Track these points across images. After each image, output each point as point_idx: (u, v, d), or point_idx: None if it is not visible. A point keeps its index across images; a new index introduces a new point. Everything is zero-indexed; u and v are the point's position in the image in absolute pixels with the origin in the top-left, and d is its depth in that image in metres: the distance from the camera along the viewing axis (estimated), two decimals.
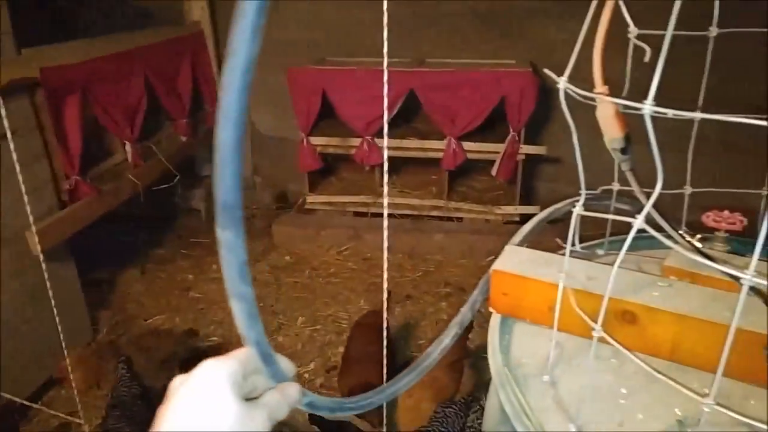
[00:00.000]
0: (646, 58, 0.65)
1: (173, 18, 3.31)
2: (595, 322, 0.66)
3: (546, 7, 3.19)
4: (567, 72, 0.63)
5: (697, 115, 0.49)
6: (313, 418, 1.75)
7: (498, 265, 0.81)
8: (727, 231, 0.90)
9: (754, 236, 1.00)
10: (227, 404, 0.47)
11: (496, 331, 0.80)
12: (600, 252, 0.97)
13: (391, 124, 3.16)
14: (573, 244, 0.92)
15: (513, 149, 3.06)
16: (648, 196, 0.69)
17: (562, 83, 0.63)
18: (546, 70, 0.68)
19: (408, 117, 3.38)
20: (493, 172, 3.16)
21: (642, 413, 0.66)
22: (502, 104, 2.99)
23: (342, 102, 3.09)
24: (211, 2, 3.38)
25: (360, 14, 3.26)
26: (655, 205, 0.75)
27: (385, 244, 1.14)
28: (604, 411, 0.67)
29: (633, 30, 0.78)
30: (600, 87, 0.76)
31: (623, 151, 0.80)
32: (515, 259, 0.82)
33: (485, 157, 3.20)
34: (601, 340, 0.60)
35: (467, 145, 3.13)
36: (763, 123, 0.43)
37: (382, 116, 3.07)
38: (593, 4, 0.70)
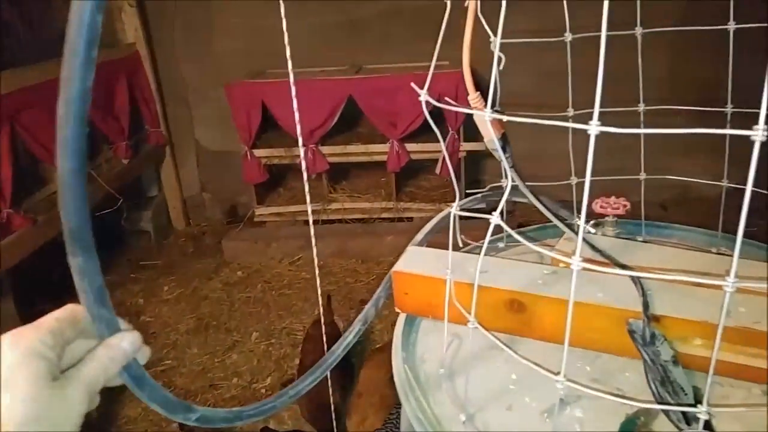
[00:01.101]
0: (501, 66, 0.69)
1: (107, 41, 3.26)
2: (481, 312, 0.70)
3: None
4: (426, 85, 0.66)
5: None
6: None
7: (399, 265, 0.84)
8: (614, 215, 0.96)
9: (639, 218, 1.06)
10: (24, 396, 0.41)
11: (399, 330, 0.83)
12: (501, 245, 1.02)
13: (335, 130, 3.19)
14: (501, 238, 0.97)
15: (453, 148, 3.13)
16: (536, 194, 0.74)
17: (424, 95, 0.66)
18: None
19: (351, 122, 3.41)
20: (437, 170, 3.23)
21: (528, 396, 0.70)
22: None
23: (282, 113, 3.10)
24: (145, 24, 3.35)
25: (297, 25, 3.28)
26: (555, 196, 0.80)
27: (315, 253, 1.17)
28: (495, 397, 0.71)
29: (494, 39, 0.82)
30: (472, 94, 0.81)
31: (503, 149, 0.84)
32: (415, 259, 0.85)
33: (429, 157, 3.27)
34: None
35: (410, 147, 3.18)
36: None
37: (323, 124, 3.10)
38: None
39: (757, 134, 0.38)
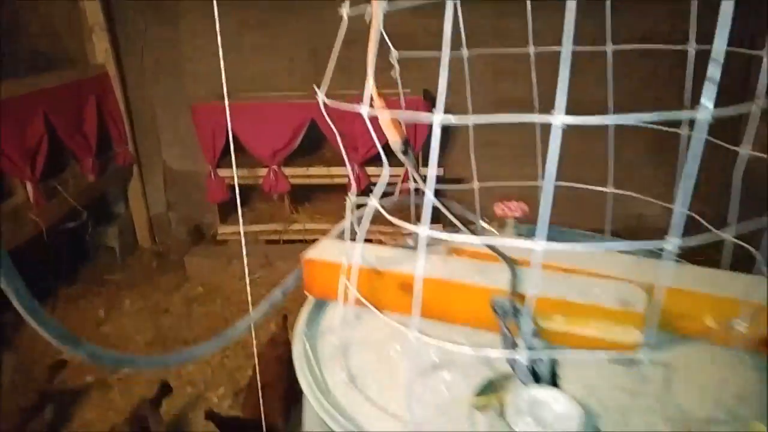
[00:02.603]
0: (394, 73, 0.81)
1: (77, 61, 3.36)
2: (378, 295, 0.80)
3: (437, 42, 3.45)
4: (324, 88, 0.77)
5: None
6: (210, 416, 1.83)
7: (308, 254, 0.94)
8: (514, 218, 1.07)
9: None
10: None
11: (306, 311, 0.92)
12: (410, 242, 1.13)
13: (297, 152, 3.30)
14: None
15: (406, 174, 3.26)
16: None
17: (321, 95, 0.77)
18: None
19: (317, 145, 3.53)
20: (396, 193, 3.34)
21: (407, 362, 0.80)
22: None
23: (246, 134, 3.21)
24: (115, 45, 3.45)
25: (264, 50, 3.43)
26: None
27: (246, 270, 1.26)
28: (378, 364, 0.80)
29: (394, 53, 0.95)
30: (376, 98, 0.92)
31: (404, 152, 0.96)
32: (324, 249, 0.95)
33: (390, 180, 3.38)
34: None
35: (370, 170, 3.30)
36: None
37: (286, 146, 3.21)
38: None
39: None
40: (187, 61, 3.56)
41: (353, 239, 0.88)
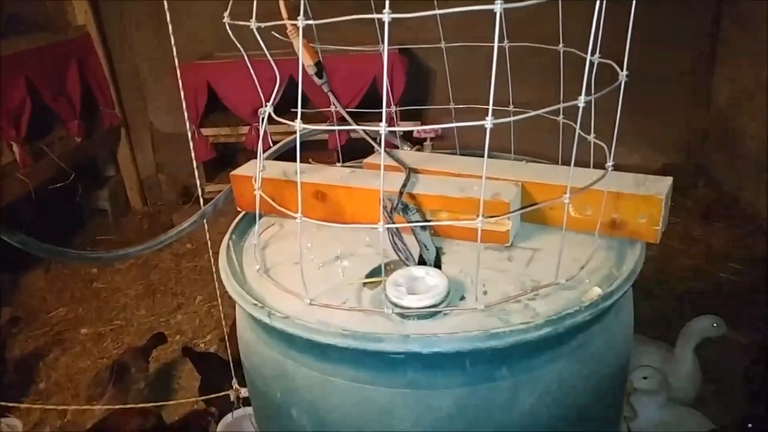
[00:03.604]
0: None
1: (57, 23, 3.42)
2: (295, 202, 0.90)
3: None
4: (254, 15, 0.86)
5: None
6: (186, 351, 1.98)
7: (236, 171, 1.05)
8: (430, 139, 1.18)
9: None
10: None
11: (236, 222, 1.04)
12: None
13: (278, 109, 3.37)
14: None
15: (390, 125, 3.34)
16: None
17: (254, 24, 0.86)
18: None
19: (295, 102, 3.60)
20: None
21: (314, 255, 0.91)
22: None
23: (227, 93, 3.29)
24: (95, 6, 3.51)
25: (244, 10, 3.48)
26: None
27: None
28: (291, 256, 0.91)
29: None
30: (288, 26, 1.02)
31: (318, 75, 1.06)
32: (251, 167, 1.06)
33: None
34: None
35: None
36: None
37: (266, 103, 3.29)
38: None
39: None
40: (168, 22, 3.61)
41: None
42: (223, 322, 1.74)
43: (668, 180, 0.84)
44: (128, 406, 1.78)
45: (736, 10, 3.30)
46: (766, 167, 3.04)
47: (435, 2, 1.17)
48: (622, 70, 0.72)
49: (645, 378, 1.59)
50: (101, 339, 2.72)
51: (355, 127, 1.03)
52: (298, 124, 0.71)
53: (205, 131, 3.43)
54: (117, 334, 2.75)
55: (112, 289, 3.09)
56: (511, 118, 0.66)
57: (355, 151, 1.40)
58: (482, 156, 1.16)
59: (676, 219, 3.12)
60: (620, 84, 0.71)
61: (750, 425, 1.52)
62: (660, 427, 1.59)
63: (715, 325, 1.73)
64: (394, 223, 0.87)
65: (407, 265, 0.83)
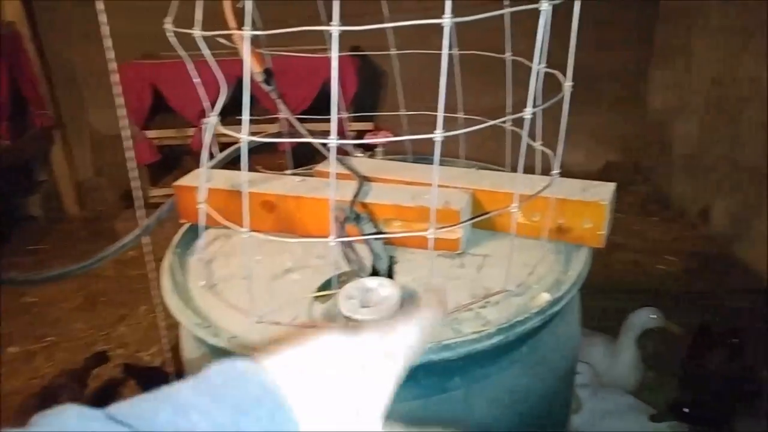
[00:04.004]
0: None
1: None
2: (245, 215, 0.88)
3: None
4: (171, 17, 0.83)
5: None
6: (127, 368, 1.91)
7: (180, 181, 1.01)
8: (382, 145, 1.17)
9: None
10: None
11: (179, 234, 1.00)
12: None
13: (227, 109, 3.29)
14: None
15: (342, 127, 3.32)
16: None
17: (169, 26, 0.83)
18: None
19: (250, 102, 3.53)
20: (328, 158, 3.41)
21: (263, 269, 0.89)
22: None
23: (172, 94, 3.19)
24: (27, 3, 3.32)
25: (190, 10, 3.37)
26: None
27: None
28: (239, 270, 0.89)
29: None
30: (235, 33, 0.99)
31: (267, 82, 1.03)
32: (195, 177, 1.02)
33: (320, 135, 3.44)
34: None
35: (309, 126, 3.34)
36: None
37: (212, 105, 3.21)
38: None
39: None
40: (109, 21, 3.46)
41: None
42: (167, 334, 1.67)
43: (611, 186, 0.87)
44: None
45: (671, 15, 3.45)
46: (693, 166, 3.21)
47: (386, 12, 1.17)
48: (566, 80, 0.74)
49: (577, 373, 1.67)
50: (32, 358, 2.56)
51: (306, 139, 1.01)
52: (244, 137, 0.69)
53: (150, 133, 3.31)
54: (50, 352, 2.60)
55: (45, 303, 2.92)
56: (461, 131, 0.67)
57: (307, 149, 1.38)
58: (432, 163, 1.17)
59: (618, 214, 3.25)
60: (565, 94, 0.73)
61: (685, 409, 1.60)
62: (597, 415, 1.65)
63: (653, 317, 1.81)
64: (346, 232, 0.86)
65: (360, 277, 0.82)
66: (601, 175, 3.72)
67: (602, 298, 2.61)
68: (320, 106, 3.36)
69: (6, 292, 2.98)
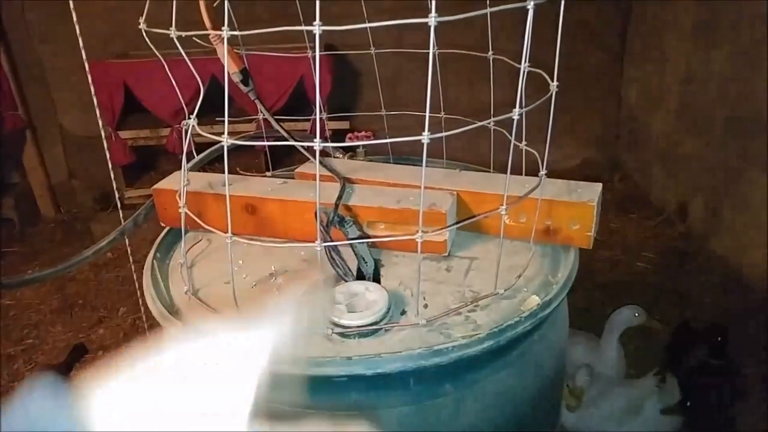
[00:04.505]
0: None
1: None
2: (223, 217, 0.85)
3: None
4: (144, 15, 0.81)
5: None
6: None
7: (159, 184, 0.98)
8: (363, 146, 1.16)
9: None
10: None
11: (160, 238, 0.97)
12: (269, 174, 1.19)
13: (201, 111, 3.24)
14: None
15: (323, 129, 3.29)
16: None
17: (143, 26, 0.81)
18: None
19: (220, 102, 3.48)
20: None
21: (246, 273, 0.87)
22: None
23: (145, 94, 3.12)
24: None
25: (161, 9, 3.31)
26: None
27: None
28: (219, 276, 0.86)
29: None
30: (212, 33, 0.96)
31: (244, 83, 1.01)
32: (174, 179, 1.00)
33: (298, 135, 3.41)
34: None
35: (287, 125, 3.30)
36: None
37: (187, 104, 3.15)
38: None
39: None
40: (78, 20, 3.38)
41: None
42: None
43: (598, 186, 0.87)
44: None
45: (643, 12, 3.50)
46: (669, 163, 3.26)
47: (364, 11, 1.15)
48: (552, 80, 0.73)
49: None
50: (11, 361, 2.51)
51: (288, 142, 0.99)
52: (225, 139, 0.67)
53: (123, 134, 3.24)
54: (29, 354, 2.55)
55: (22, 306, 2.86)
56: (448, 133, 0.65)
57: (282, 149, 1.36)
58: (416, 164, 1.16)
59: None
60: (551, 94, 0.72)
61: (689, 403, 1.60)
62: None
63: (636, 315, 1.82)
64: (330, 236, 0.84)
65: (345, 281, 0.81)
66: (578, 173, 3.75)
67: (582, 297, 2.63)
68: (291, 106, 3.33)
69: None
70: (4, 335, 2.66)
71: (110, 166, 1.55)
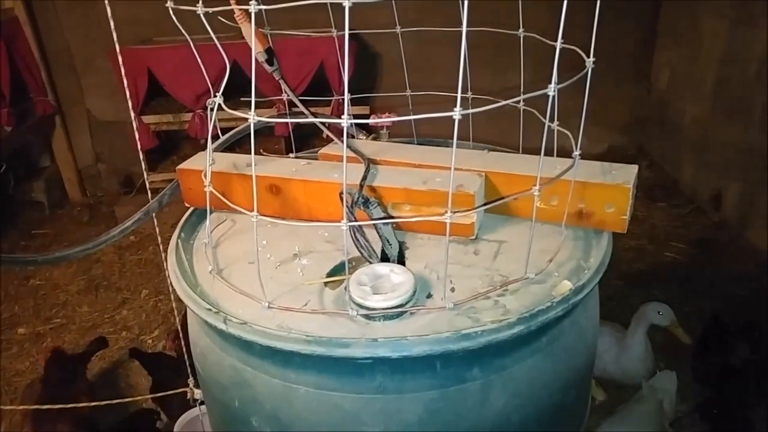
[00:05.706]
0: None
1: None
2: (248, 197, 0.84)
3: None
4: None
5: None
6: (133, 353, 1.89)
7: (183, 165, 0.98)
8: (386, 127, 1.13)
9: None
10: None
11: (184, 218, 0.97)
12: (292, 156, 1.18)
13: (223, 96, 3.25)
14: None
15: (339, 111, 3.27)
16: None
17: (200, 10, 0.79)
18: None
19: (243, 88, 3.48)
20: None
21: (270, 253, 0.86)
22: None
23: (168, 79, 3.13)
24: None
25: None
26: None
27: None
28: (245, 255, 0.86)
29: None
30: (237, 11, 0.95)
31: (269, 62, 0.99)
32: (198, 159, 0.99)
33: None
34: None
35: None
36: None
37: (209, 89, 3.16)
38: None
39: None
40: (104, 6, 3.40)
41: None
42: (176, 316, 1.63)
43: (634, 168, 0.83)
44: (60, 406, 1.59)
45: None
46: (703, 150, 3.16)
47: None
48: (588, 57, 0.70)
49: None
50: (40, 339, 2.57)
51: (314, 119, 0.97)
52: (252, 116, 0.66)
53: (147, 119, 3.26)
54: (58, 333, 2.61)
55: (51, 286, 2.92)
56: (481, 109, 0.63)
57: (302, 133, 1.34)
58: (439, 145, 1.13)
59: None
60: (587, 72, 0.69)
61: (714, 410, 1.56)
62: None
63: (660, 313, 1.75)
64: (355, 217, 0.82)
65: (370, 262, 0.79)
66: (603, 159, 3.66)
67: (606, 285, 2.58)
68: (309, 92, 3.30)
69: (14, 276, 2.97)
70: (34, 314, 2.72)
71: (139, 149, 1.55)
